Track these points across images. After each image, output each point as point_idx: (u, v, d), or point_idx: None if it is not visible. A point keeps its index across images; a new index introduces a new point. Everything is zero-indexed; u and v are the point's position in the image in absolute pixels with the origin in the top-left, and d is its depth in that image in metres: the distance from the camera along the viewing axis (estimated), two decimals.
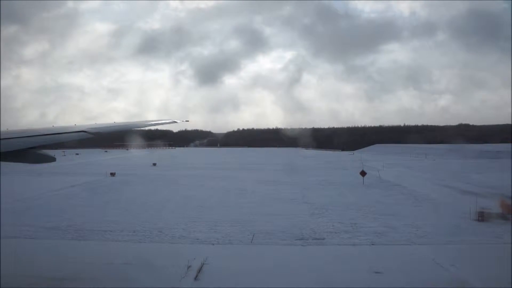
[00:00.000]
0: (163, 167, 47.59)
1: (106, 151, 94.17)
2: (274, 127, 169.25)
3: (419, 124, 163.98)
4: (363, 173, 31.10)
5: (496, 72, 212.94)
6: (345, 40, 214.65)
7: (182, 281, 10.25)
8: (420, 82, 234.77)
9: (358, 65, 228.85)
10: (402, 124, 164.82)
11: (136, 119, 13.63)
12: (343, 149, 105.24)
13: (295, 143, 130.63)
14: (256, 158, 69.05)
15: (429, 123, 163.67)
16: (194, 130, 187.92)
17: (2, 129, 7.97)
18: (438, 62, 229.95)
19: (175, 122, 12.76)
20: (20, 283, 9.78)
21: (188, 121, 15.21)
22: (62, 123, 9.46)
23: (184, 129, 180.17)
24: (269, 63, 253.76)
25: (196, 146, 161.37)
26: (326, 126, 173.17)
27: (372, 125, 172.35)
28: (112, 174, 36.53)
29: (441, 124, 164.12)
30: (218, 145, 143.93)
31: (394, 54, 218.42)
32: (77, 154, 78.39)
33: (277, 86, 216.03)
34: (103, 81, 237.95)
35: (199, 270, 10.98)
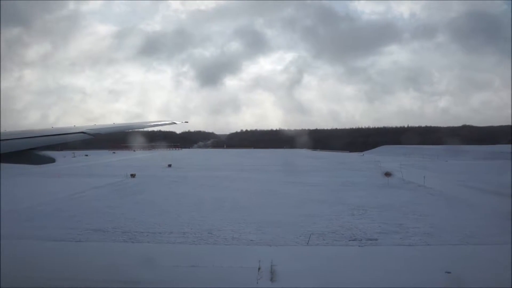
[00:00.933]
0: (179, 169, 47.41)
1: (114, 152, 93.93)
2: (277, 128, 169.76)
3: (422, 125, 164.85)
4: (388, 174, 31.06)
5: (496, 73, 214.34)
6: (346, 42, 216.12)
7: (259, 282, 10.15)
8: (421, 84, 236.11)
9: (359, 67, 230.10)
10: (405, 125, 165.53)
11: (137, 120, 13.65)
12: (350, 150, 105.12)
13: (300, 144, 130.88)
14: (267, 159, 68.86)
15: (430, 124, 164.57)
16: (196, 131, 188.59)
17: (1, 131, 7.90)
18: (438, 63, 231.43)
19: (175, 123, 12.79)
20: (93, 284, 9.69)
21: (187, 122, 15.22)
22: (63, 125, 9.49)
23: (187, 130, 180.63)
24: (269, 64, 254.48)
25: (200, 147, 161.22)
26: (327, 128, 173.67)
27: (375, 126, 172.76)
28: (132, 175, 36.35)
29: (443, 125, 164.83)
30: (225, 146, 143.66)
31: (394, 56, 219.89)
32: (86, 155, 78.19)
33: (278, 87, 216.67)
34: (104, 83, 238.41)
35: (271, 272, 10.90)
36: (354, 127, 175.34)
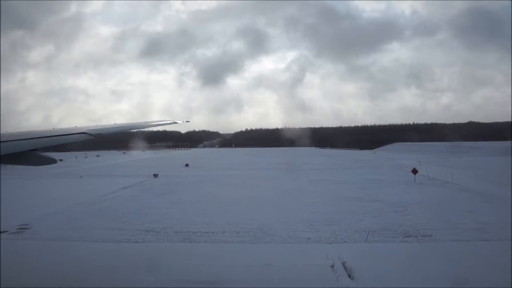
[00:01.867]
0: (197, 168, 47.48)
1: (124, 153, 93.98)
2: (282, 127, 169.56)
3: (424, 122, 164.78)
4: (414, 171, 31.08)
5: (498, 69, 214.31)
6: (347, 40, 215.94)
7: (340, 280, 10.19)
8: (423, 81, 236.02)
9: (361, 65, 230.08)
10: (410, 123, 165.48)
11: (139, 120, 13.69)
12: (358, 148, 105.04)
13: (306, 142, 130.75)
14: (281, 157, 68.92)
15: (432, 121, 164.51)
16: (201, 130, 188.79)
17: (2, 132, 7.90)
18: (439, 60, 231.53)
19: (176, 122, 12.77)
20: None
21: (188, 121, 15.31)
22: (65, 126, 9.54)
23: (192, 130, 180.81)
24: (272, 63, 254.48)
25: (205, 146, 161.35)
26: (330, 126, 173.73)
27: (380, 124, 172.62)
28: (155, 176, 36.40)
29: (446, 122, 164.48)
30: (233, 145, 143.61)
31: (396, 54, 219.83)
32: (97, 156, 78.31)
33: (280, 86, 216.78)
34: (107, 84, 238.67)
35: (346, 269, 10.93)
36: (358, 125, 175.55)
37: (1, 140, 6.43)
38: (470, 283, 9.56)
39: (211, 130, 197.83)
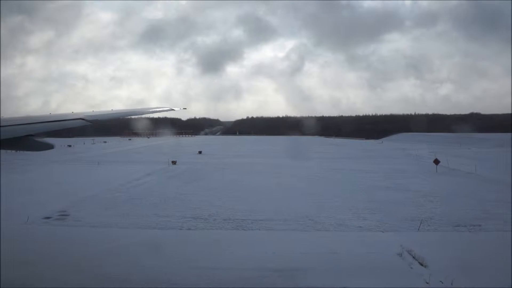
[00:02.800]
0: (211, 155, 47.37)
1: (130, 139, 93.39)
2: (284, 115, 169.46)
3: (423, 112, 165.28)
4: (436, 162, 31.22)
5: (497, 61, 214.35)
6: (347, 30, 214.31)
7: (413, 268, 10.26)
8: (422, 71, 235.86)
9: (360, 55, 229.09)
10: (412, 113, 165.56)
11: (138, 107, 13.68)
12: (362, 137, 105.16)
13: (310, 131, 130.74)
14: (289, 146, 68.93)
15: (431, 112, 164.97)
16: (202, 118, 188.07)
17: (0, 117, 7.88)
18: (439, 51, 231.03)
19: (173, 109, 12.78)
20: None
21: (185, 108, 15.38)
22: (64, 111, 9.58)
23: (193, 117, 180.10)
24: (271, 51, 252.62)
25: (207, 134, 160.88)
26: (329, 115, 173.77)
27: (382, 113, 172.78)
28: (173, 162, 36.27)
29: (445, 112, 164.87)
30: (237, 133, 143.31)
31: (396, 44, 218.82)
32: (105, 142, 77.92)
33: (279, 74, 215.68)
34: (106, 70, 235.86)
35: (415, 257, 11.00)
36: (358, 114, 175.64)
37: (0, 125, 6.41)
38: None
39: (211, 117, 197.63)
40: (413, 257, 10.97)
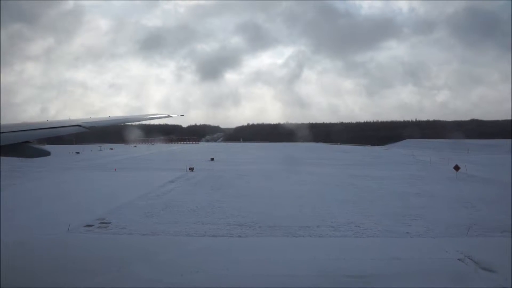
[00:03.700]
0: (225, 162, 47.33)
1: (135, 146, 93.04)
2: (285, 122, 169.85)
3: (421, 119, 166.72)
4: (457, 168, 31.49)
5: (494, 68, 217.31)
6: (345, 37, 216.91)
7: (479, 273, 10.36)
8: (420, 78, 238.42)
9: (358, 62, 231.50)
10: (412, 119, 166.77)
11: (137, 113, 13.72)
12: (365, 144, 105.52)
13: (311, 138, 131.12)
14: (297, 152, 69.14)
15: (431, 119, 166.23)
16: (202, 124, 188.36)
17: None
18: (437, 58, 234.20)
19: (170, 116, 12.77)
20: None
21: (183, 115, 15.44)
22: (62, 118, 9.64)
23: (194, 124, 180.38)
24: (269, 58, 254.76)
25: (208, 141, 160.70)
26: (327, 121, 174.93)
27: (380, 120, 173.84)
28: (191, 169, 36.27)
29: (442, 119, 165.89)
30: (241, 140, 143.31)
31: (393, 51, 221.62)
32: (111, 149, 77.63)
33: (278, 81, 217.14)
34: (105, 77, 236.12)
35: (476, 263, 11.10)
36: (356, 121, 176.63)
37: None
38: None
39: (211, 124, 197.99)
40: (475, 262, 11.11)
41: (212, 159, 49.92)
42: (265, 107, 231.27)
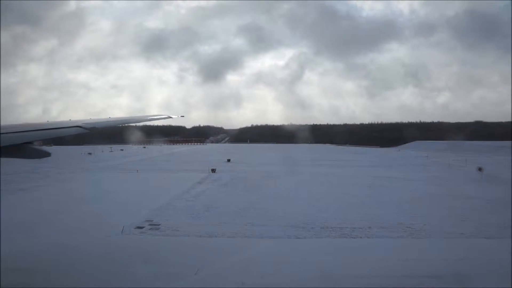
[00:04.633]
0: (243, 164, 47.45)
1: (144, 147, 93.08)
2: (289, 123, 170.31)
3: (422, 120, 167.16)
4: (480, 169, 31.74)
5: (494, 70, 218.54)
6: (347, 39, 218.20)
7: None
8: (420, 80, 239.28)
9: (359, 63, 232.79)
10: (417, 121, 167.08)
11: (138, 114, 13.73)
12: (380, 145, 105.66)
13: (317, 139, 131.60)
14: (309, 154, 69.18)
15: (433, 120, 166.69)
16: (206, 126, 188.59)
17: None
18: (437, 60, 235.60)
19: (171, 117, 12.78)
20: None
21: (183, 116, 15.43)
22: (63, 119, 9.71)
23: (198, 125, 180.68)
24: (271, 60, 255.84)
25: (212, 142, 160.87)
26: (329, 123, 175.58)
27: (383, 121, 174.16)
28: (213, 171, 36.38)
29: (449, 121, 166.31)
30: (248, 141, 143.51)
31: (394, 53, 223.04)
32: (121, 150, 77.71)
33: (279, 83, 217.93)
34: (108, 78, 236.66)
35: None
36: (364, 122, 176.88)
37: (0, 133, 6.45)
38: None
39: (215, 125, 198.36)
40: None
41: (229, 160, 50.04)
42: (267, 109, 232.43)
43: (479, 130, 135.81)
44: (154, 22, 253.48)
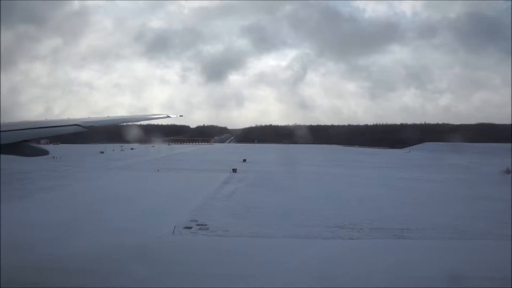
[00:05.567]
0: (259, 164, 47.47)
1: (153, 146, 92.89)
2: (294, 124, 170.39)
3: (423, 122, 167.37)
4: (508, 171, 31.86)
5: (497, 71, 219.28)
6: (349, 40, 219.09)
7: None
8: (422, 82, 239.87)
9: (361, 65, 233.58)
10: (423, 122, 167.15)
11: (141, 113, 13.74)
12: (390, 147, 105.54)
13: (323, 140, 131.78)
14: (322, 155, 69.26)
15: (431, 122, 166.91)
16: (210, 125, 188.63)
17: None
18: (439, 62, 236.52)
19: (169, 116, 12.75)
20: None
21: (182, 116, 15.41)
22: (65, 117, 9.74)
23: (202, 124, 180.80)
24: (273, 61, 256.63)
25: (216, 141, 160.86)
26: (332, 124, 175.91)
27: (394, 123, 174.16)
28: (234, 170, 36.42)
29: (450, 122, 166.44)
30: (256, 141, 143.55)
31: (396, 55, 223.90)
32: (132, 148, 77.75)
33: (282, 83, 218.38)
34: (110, 77, 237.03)
35: None
36: (369, 123, 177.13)
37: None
38: None
39: (218, 125, 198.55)
40: None
41: (244, 160, 50.07)
42: (269, 109, 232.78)
43: (486, 131, 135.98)
44: (157, 22, 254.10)
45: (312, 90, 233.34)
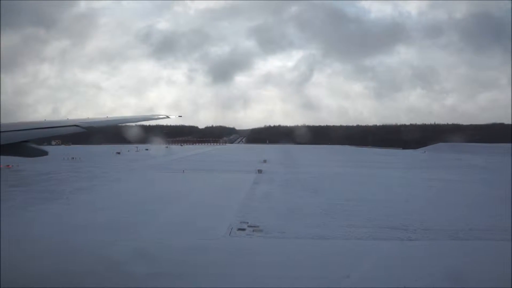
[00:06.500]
0: (281, 165, 47.61)
1: (167, 147, 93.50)
2: (302, 124, 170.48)
3: (428, 122, 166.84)
4: None
5: (503, 72, 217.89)
6: (355, 41, 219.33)
7: None
8: (428, 82, 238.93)
9: (367, 65, 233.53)
10: (432, 123, 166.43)
11: (148, 114, 13.79)
12: (404, 147, 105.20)
13: (334, 140, 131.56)
14: (337, 155, 69.31)
15: (438, 122, 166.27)
16: (218, 126, 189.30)
17: None
18: (445, 62, 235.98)
19: (168, 117, 12.72)
20: None
21: (181, 116, 15.40)
22: (72, 118, 9.72)
23: (211, 125, 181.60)
24: (279, 61, 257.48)
25: (225, 142, 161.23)
26: (338, 124, 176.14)
27: (403, 123, 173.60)
28: (259, 171, 36.62)
29: (452, 122, 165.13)
30: (267, 141, 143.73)
31: (402, 55, 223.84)
32: (146, 149, 78.27)
33: (288, 84, 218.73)
34: (117, 78, 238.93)
35: None
36: (372, 124, 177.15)
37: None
38: None
39: (226, 125, 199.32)
40: None
41: (265, 161, 50.25)
42: (275, 109, 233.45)
43: (498, 131, 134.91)
44: (164, 24, 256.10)
45: (319, 90, 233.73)
